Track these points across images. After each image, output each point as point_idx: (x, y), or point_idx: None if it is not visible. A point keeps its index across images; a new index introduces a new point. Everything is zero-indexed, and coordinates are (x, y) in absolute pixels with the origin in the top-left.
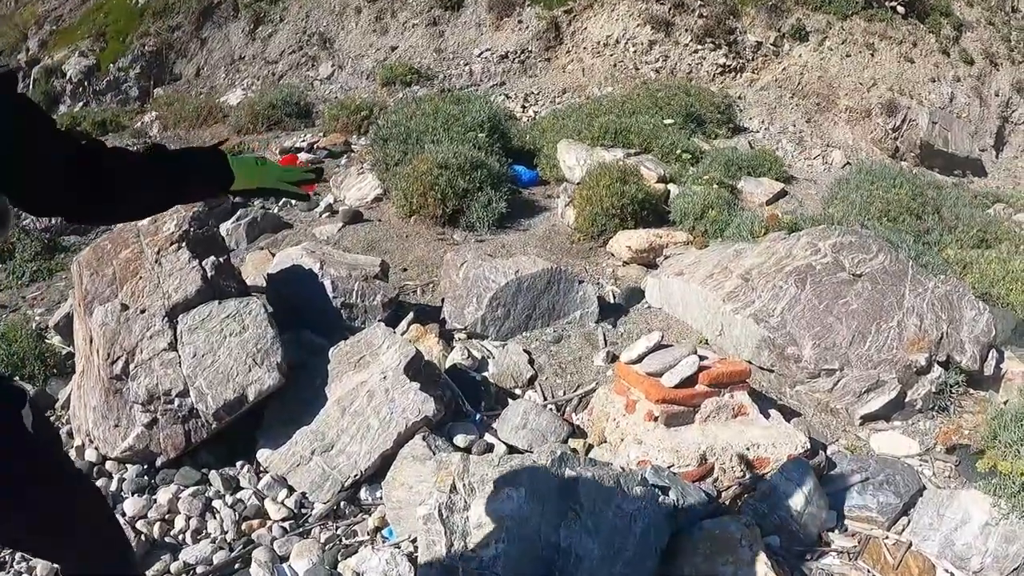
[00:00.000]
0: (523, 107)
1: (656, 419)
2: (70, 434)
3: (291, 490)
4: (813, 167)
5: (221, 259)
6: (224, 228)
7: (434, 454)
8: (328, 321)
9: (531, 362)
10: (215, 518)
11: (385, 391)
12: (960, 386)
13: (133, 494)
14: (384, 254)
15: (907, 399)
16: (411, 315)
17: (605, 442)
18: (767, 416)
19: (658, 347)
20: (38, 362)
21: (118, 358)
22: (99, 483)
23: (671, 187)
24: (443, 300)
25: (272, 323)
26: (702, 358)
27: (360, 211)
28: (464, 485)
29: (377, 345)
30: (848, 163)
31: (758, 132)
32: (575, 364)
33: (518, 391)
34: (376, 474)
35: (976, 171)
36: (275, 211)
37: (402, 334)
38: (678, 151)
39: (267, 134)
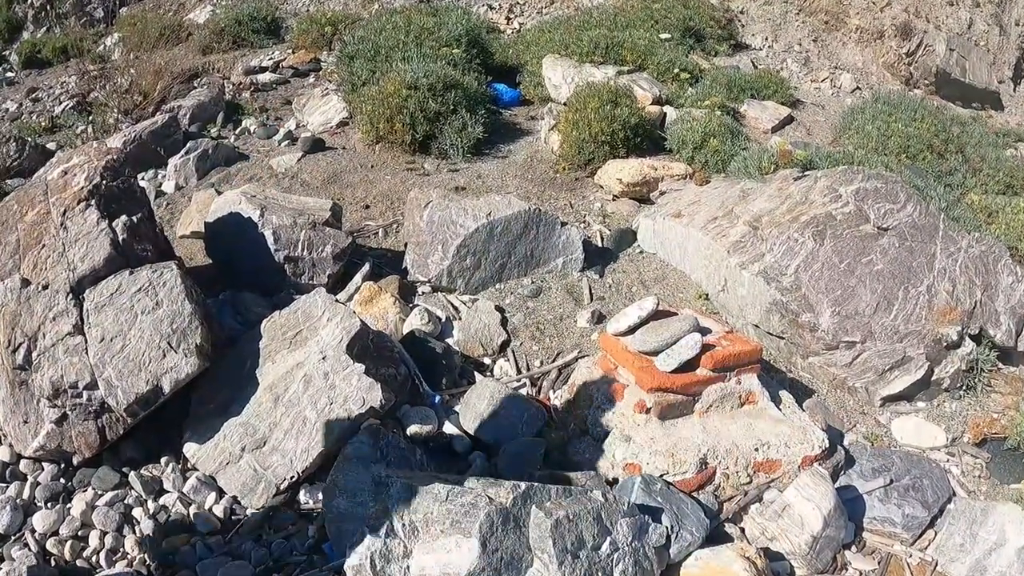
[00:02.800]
0: (507, 18)
1: (648, 411)
2: None
3: (220, 493)
4: (820, 90)
5: (136, 217)
6: (171, 163)
7: (382, 454)
8: (270, 278)
9: (504, 323)
10: (135, 531)
11: (324, 375)
12: (991, 363)
13: (46, 503)
14: (346, 188)
15: (933, 377)
16: (367, 267)
17: (587, 434)
18: (778, 403)
19: (653, 316)
20: None
21: (19, 345)
22: (11, 488)
23: (667, 110)
24: (406, 246)
25: (191, 294)
26: (704, 331)
27: (322, 138)
28: (404, 526)
29: (316, 317)
30: (858, 87)
31: (761, 50)
32: (555, 325)
33: (487, 360)
34: (318, 471)
35: (993, 104)
36: (230, 141)
37: (351, 294)
38: (676, 70)
39: (233, 53)
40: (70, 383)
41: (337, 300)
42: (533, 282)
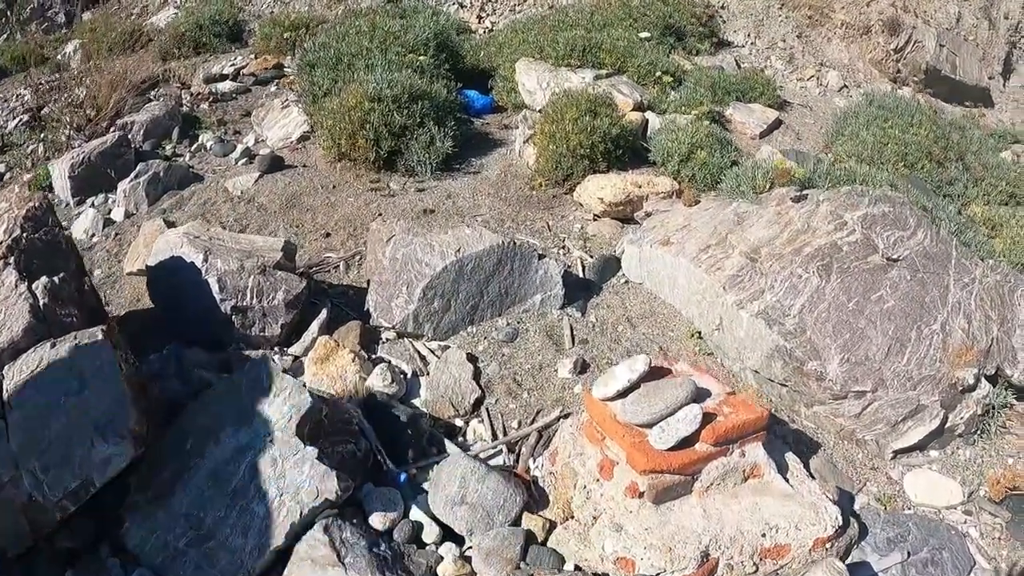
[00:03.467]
0: (479, 17)
1: (642, 495)
2: None
3: None
4: (807, 89)
5: (59, 276)
6: (121, 188)
7: (339, 556)
8: (217, 330)
9: (477, 375)
10: None
11: (272, 462)
12: (1007, 406)
13: None
14: (306, 212)
15: (947, 424)
16: (324, 314)
17: (572, 519)
18: (784, 471)
19: (644, 378)
20: None
21: None
22: None
23: (650, 117)
24: (368, 284)
25: (120, 369)
26: (703, 394)
27: (282, 156)
28: None
29: (262, 391)
30: (845, 85)
31: (744, 47)
32: (533, 376)
33: (459, 422)
34: (273, 567)
35: (984, 101)
36: (185, 160)
37: (308, 346)
38: (657, 72)
39: (194, 59)
40: None
41: (285, 372)
42: (508, 323)
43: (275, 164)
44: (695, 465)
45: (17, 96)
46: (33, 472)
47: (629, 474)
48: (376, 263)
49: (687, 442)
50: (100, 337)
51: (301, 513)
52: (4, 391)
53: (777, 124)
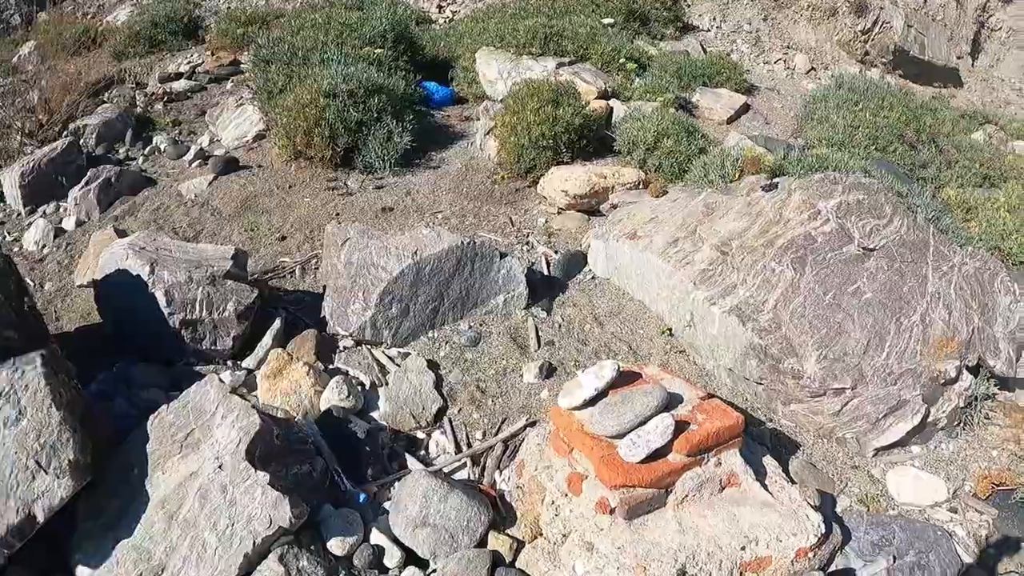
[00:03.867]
0: (439, 6)
1: (613, 511)
2: None
3: None
4: (774, 73)
5: None
6: (72, 196)
7: None
8: (167, 346)
9: (439, 383)
10: None
11: (222, 489)
12: (989, 395)
13: None
14: (261, 215)
15: (929, 419)
16: (277, 324)
17: (541, 537)
18: (762, 476)
19: (613, 385)
20: None
21: None
22: None
23: (615, 105)
24: (324, 289)
25: (58, 396)
26: (675, 400)
27: (237, 156)
28: None
29: (209, 413)
30: (813, 68)
31: (709, 31)
32: (498, 382)
33: (421, 434)
34: None
35: (953, 81)
36: (138, 164)
37: (261, 359)
38: (621, 59)
39: (150, 58)
40: None
41: (236, 389)
42: (471, 327)
43: (230, 165)
44: (669, 478)
45: None
46: None
47: (599, 489)
48: (331, 268)
49: (660, 453)
50: (39, 363)
51: (254, 543)
52: None
53: (745, 109)
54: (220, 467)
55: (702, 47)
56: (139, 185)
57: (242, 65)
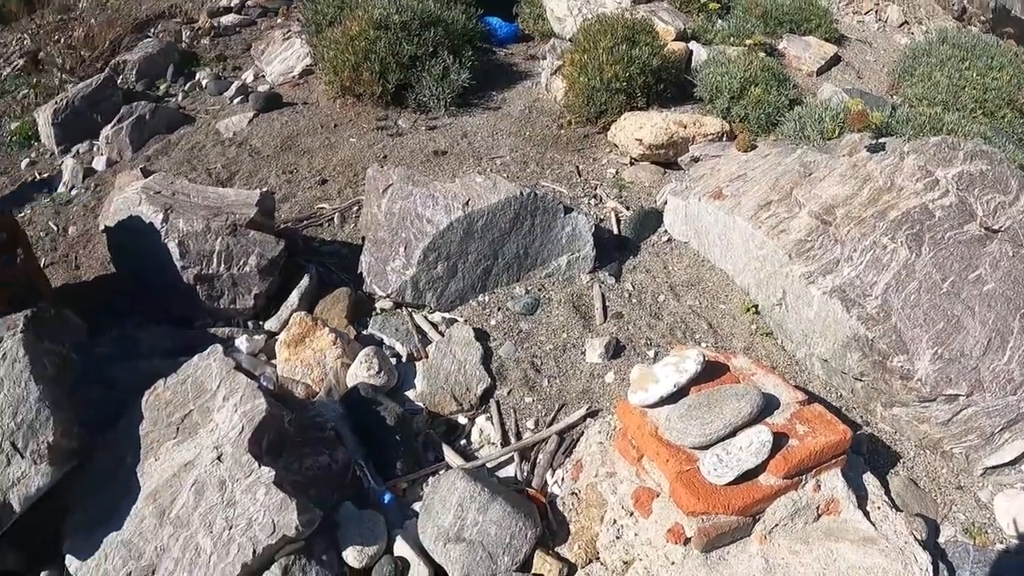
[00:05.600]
0: None
1: (687, 541)
2: None
3: None
4: (865, 24)
5: None
6: (103, 134)
7: None
8: (181, 305)
9: (487, 358)
10: None
11: (220, 484)
12: None
13: None
14: (302, 155)
15: None
16: (305, 282)
17: (597, 561)
18: (863, 500)
19: (695, 379)
20: None
21: None
22: None
23: (694, 47)
24: (363, 240)
25: (40, 370)
26: (769, 403)
27: (280, 93)
28: None
29: (210, 392)
30: (906, 22)
31: None
32: (556, 359)
33: (463, 418)
34: None
35: None
36: (177, 100)
37: (285, 321)
38: None
39: None
40: None
41: (238, 367)
42: (527, 291)
43: (272, 102)
44: (758, 504)
45: (17, 40)
46: None
47: (672, 513)
48: (371, 217)
49: (750, 474)
50: (19, 328)
51: (254, 552)
52: None
53: (835, 60)
54: (219, 458)
55: None
56: (176, 123)
57: None
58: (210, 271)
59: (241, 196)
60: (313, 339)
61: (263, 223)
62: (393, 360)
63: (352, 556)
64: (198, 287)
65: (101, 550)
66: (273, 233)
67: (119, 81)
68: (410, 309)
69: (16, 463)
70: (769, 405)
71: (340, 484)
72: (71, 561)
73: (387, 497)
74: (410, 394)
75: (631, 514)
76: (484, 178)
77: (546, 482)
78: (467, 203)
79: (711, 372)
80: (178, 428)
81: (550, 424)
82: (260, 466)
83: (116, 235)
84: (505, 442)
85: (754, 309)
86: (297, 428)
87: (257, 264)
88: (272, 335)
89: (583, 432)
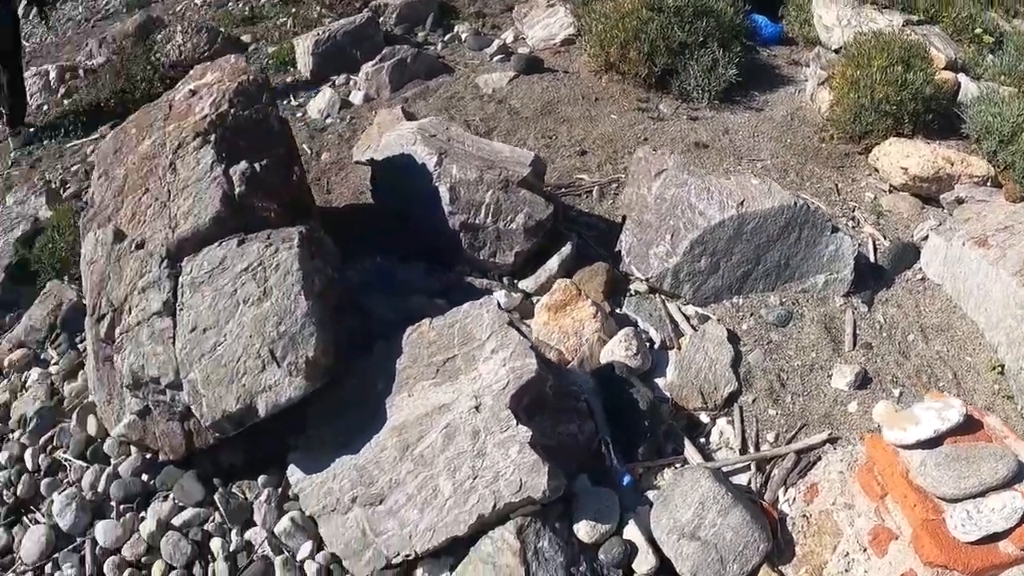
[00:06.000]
0: None
1: None
2: None
3: (319, 544)
4: None
5: (261, 163)
6: (363, 70)
7: (527, 571)
8: (440, 248)
9: (736, 362)
10: (206, 573)
11: (473, 434)
12: None
13: (119, 505)
14: (561, 123)
15: None
16: (568, 248)
17: None
18: None
19: (953, 431)
20: None
21: (103, 315)
22: (88, 473)
23: (963, 80)
24: (623, 220)
25: (310, 286)
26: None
27: (541, 57)
28: None
29: (478, 341)
30: None
31: None
32: (802, 377)
33: (705, 417)
34: (442, 552)
35: None
36: (436, 50)
37: (542, 283)
38: (976, 28)
39: None
40: (151, 377)
41: (511, 323)
42: (782, 302)
43: (533, 65)
44: (993, 570)
45: None
46: (193, 384)
47: (909, 559)
48: (637, 198)
49: (993, 537)
50: (295, 241)
51: (495, 506)
52: (180, 285)
53: None
54: (476, 408)
55: None
56: (435, 71)
57: None
58: (476, 221)
59: (516, 154)
60: (574, 308)
61: (533, 184)
62: (647, 344)
63: (584, 530)
64: (462, 234)
65: (331, 469)
66: (542, 196)
67: (379, 22)
68: (663, 297)
69: (271, 371)
70: (1020, 472)
71: (582, 457)
72: (294, 472)
73: (627, 479)
74: (659, 382)
75: (865, 550)
76: (760, 181)
77: (777, 498)
78: (742, 203)
79: (966, 426)
80: (438, 370)
81: (789, 441)
82: (517, 424)
83: (383, 169)
84: (744, 449)
85: (999, 368)
86: (554, 395)
87: (524, 223)
88: (527, 296)
89: (820, 456)
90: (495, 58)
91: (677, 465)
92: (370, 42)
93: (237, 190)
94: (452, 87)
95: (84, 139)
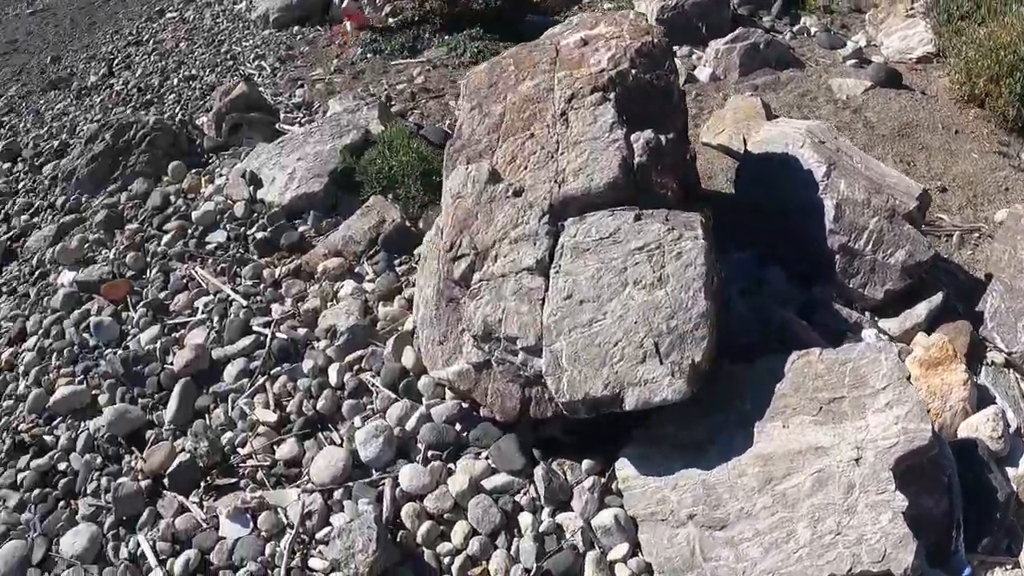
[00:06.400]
0: None
1: None
2: None
3: (635, 550)
4: None
5: (667, 136)
6: (712, 47)
7: None
8: (810, 264)
9: None
10: (509, 548)
11: (847, 488)
12: None
13: (427, 451)
14: (919, 151)
15: None
16: (939, 298)
17: None
18: None
19: None
20: None
21: (462, 256)
22: (395, 408)
23: None
24: (987, 278)
25: (710, 285)
26: None
27: (898, 70)
28: None
29: (871, 389)
30: None
31: None
32: None
33: None
34: None
35: None
36: (784, 39)
37: (908, 330)
38: None
39: None
40: (508, 335)
41: (909, 379)
42: None
43: (890, 78)
44: None
45: None
46: (556, 356)
47: None
48: (1010, 259)
49: None
50: (699, 232)
51: (850, 570)
52: (560, 246)
53: None
54: (857, 461)
55: None
56: (784, 62)
57: None
58: (856, 246)
59: (903, 182)
60: (946, 370)
61: (916, 219)
62: (1006, 428)
63: None
64: (838, 256)
65: (673, 477)
66: (923, 235)
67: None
68: (1018, 376)
69: (650, 365)
70: None
71: (931, 534)
72: (624, 466)
73: (967, 571)
74: (1011, 472)
75: None
76: None
77: None
78: None
79: None
80: (821, 407)
81: None
82: (895, 491)
83: (757, 163)
84: None
85: None
86: (928, 464)
87: (904, 261)
88: (889, 339)
89: None
90: (848, 61)
91: (1008, 566)
92: (717, 16)
93: (637, 159)
94: (803, 84)
95: (409, 59)
